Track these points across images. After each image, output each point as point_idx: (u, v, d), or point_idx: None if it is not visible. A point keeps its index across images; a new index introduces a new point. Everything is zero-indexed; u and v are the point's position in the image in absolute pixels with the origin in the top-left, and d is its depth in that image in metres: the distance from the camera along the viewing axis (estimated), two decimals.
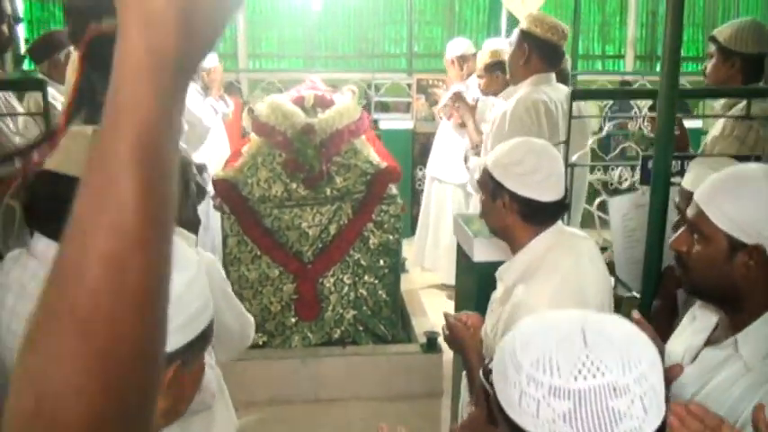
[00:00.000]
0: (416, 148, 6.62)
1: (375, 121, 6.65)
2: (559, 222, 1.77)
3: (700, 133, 4.36)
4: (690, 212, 1.34)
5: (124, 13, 0.43)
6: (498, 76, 3.98)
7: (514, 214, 1.71)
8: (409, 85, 6.54)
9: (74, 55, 2.95)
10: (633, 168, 2.11)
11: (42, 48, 3.63)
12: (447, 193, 4.90)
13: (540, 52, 2.69)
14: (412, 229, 6.15)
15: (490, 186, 1.73)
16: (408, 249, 5.79)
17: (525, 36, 2.70)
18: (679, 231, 1.39)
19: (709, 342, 1.35)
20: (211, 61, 5.28)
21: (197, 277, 1.08)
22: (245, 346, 1.82)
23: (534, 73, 2.64)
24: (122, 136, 0.43)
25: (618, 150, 3.63)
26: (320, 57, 9.91)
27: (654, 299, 1.86)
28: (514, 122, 2.51)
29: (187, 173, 1.78)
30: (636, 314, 1.42)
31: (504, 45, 5.31)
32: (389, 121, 6.54)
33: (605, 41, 10.47)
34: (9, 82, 3.26)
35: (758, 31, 2.36)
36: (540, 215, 1.73)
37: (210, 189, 2.87)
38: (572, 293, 1.62)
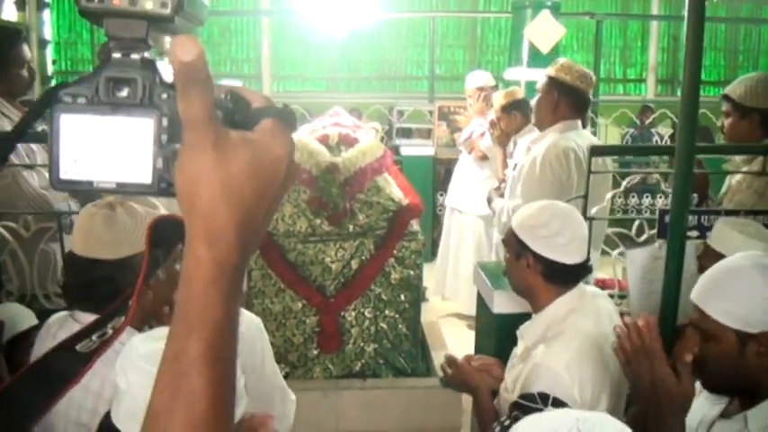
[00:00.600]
0: (437, 174, 6.69)
1: (396, 147, 6.73)
2: (581, 284, 1.83)
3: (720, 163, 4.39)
4: (692, 316, 1.39)
5: (191, 232, 0.51)
6: (516, 116, 4.05)
7: (537, 274, 1.78)
8: (431, 112, 6.61)
9: None
10: (651, 221, 2.16)
11: None
12: (467, 223, 4.96)
13: (569, 99, 2.75)
14: (432, 254, 6.22)
15: (515, 246, 1.80)
16: (429, 275, 5.84)
17: (554, 83, 2.75)
18: (684, 337, 1.43)
19: (724, 414, 1.39)
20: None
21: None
22: (287, 427, 1.73)
23: (562, 119, 2.70)
24: (194, 337, 0.50)
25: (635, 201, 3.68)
26: (343, 79, 10.06)
27: (670, 355, 1.90)
28: (545, 169, 2.57)
29: None
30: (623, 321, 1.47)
31: (524, 76, 5.39)
32: (411, 148, 6.60)
33: (627, 65, 10.51)
34: (43, 135, 3.35)
35: None
36: (563, 276, 1.80)
37: None
38: (591, 359, 1.68)
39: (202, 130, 0.50)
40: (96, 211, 1.45)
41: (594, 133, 6.80)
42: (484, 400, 1.84)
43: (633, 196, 5.58)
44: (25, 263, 2.62)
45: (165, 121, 0.59)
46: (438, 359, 3.50)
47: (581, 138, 2.70)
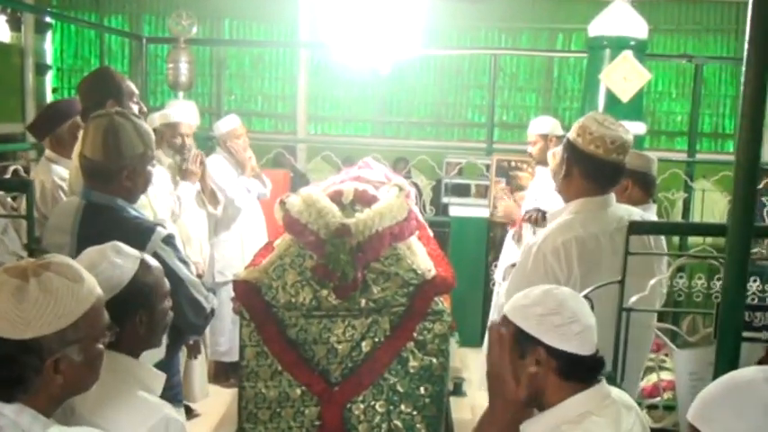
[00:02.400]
0: (492, 240, 6.66)
1: (444, 206, 6.77)
2: (603, 382, 1.81)
3: None
4: None
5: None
6: None
7: (550, 372, 1.76)
8: (487, 166, 6.63)
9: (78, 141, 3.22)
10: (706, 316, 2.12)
11: (44, 122, 3.90)
12: None
13: (583, 169, 2.66)
14: (482, 337, 6.15)
15: (517, 341, 1.79)
16: (473, 364, 5.78)
17: (567, 147, 2.72)
18: None
19: None
20: (230, 122, 5.46)
21: None
22: None
23: (581, 194, 2.63)
24: None
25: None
26: (390, 123, 10.27)
27: None
28: (538, 263, 2.55)
29: (146, 298, 1.94)
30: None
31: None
32: (462, 208, 6.62)
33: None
34: None
35: None
36: (581, 371, 1.78)
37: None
38: None
39: None
40: (5, 281, 1.47)
41: (688, 200, 6.71)
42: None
43: (700, 278, 5.43)
44: None
45: None
46: None
47: (603, 221, 2.63)
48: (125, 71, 10.35)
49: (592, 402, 1.76)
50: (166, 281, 2.05)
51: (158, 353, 2.15)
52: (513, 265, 3.19)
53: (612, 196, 2.72)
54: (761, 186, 8.21)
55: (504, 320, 1.82)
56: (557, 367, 1.76)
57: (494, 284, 6.44)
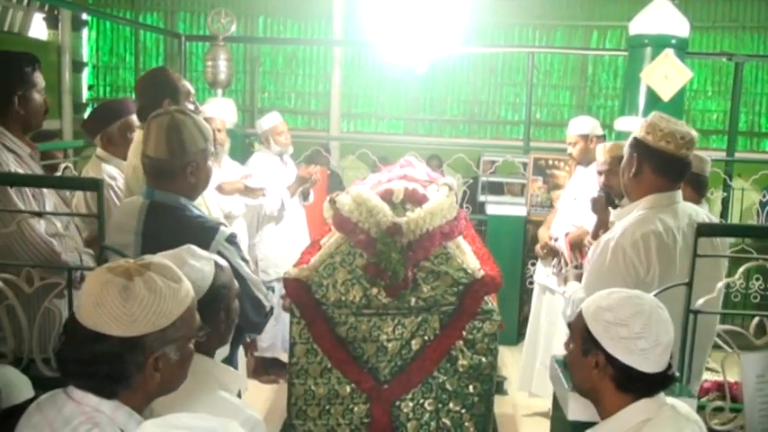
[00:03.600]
0: (530, 239, 6.65)
1: (481, 205, 6.76)
2: (661, 393, 1.81)
3: None
4: None
5: None
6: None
7: (607, 378, 1.77)
8: (524, 165, 6.61)
9: (138, 133, 3.26)
10: None
11: (96, 121, 3.93)
12: (560, 306, 4.89)
13: (654, 165, 2.68)
14: (519, 336, 6.14)
15: (584, 339, 1.79)
16: (512, 364, 5.77)
17: (635, 145, 2.71)
18: None
19: None
20: (272, 119, 5.56)
21: None
22: None
23: (651, 191, 2.65)
24: None
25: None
26: (424, 120, 10.25)
27: None
28: (617, 258, 2.53)
29: (224, 299, 1.96)
30: None
31: (637, 128, 5.37)
32: (499, 206, 6.60)
33: None
34: (65, 180, 3.56)
35: None
36: (639, 386, 1.79)
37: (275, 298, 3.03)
38: None
39: None
40: (111, 279, 1.50)
41: (727, 199, 6.64)
42: None
43: (758, 278, 5.39)
44: (24, 321, 2.67)
45: None
46: None
47: (676, 216, 2.63)
48: None
49: (650, 410, 1.78)
50: (235, 280, 2.07)
51: (224, 351, 2.18)
52: (577, 267, 3.18)
53: (680, 192, 2.73)
54: None
55: (579, 315, 1.83)
56: (614, 376, 1.77)
57: (531, 283, 6.44)
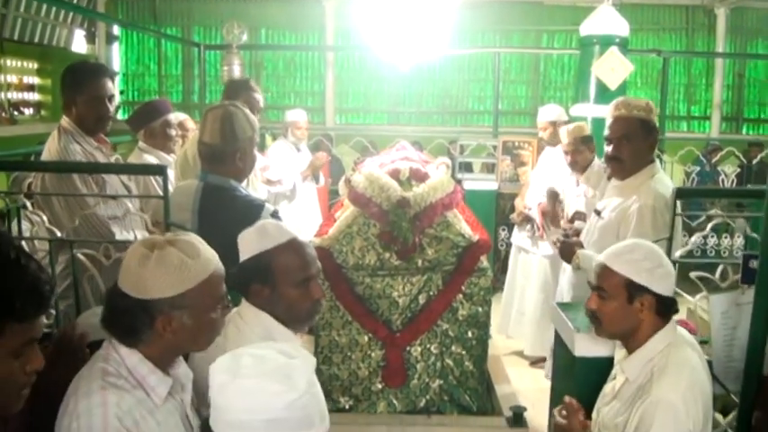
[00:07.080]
0: (500, 209, 6.67)
1: (459, 181, 6.74)
2: (674, 319, 1.87)
3: None
4: None
5: None
6: (583, 151, 4.07)
7: (650, 312, 1.85)
8: (494, 147, 6.62)
9: (194, 133, 3.20)
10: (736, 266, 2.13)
11: (140, 117, 3.87)
12: (533, 263, 4.92)
13: (653, 139, 2.79)
14: (492, 289, 6.16)
15: (628, 291, 1.85)
16: (493, 313, 5.78)
17: (644, 125, 2.72)
18: None
19: None
20: (296, 115, 5.54)
21: (300, 399, 1.21)
22: None
23: (649, 161, 2.71)
24: None
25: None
26: (405, 112, 10.19)
27: (753, 405, 1.86)
28: (657, 217, 2.53)
29: None
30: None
31: (592, 112, 5.37)
32: (473, 182, 6.59)
33: (691, 102, 10.31)
34: (134, 167, 3.51)
35: None
36: (671, 308, 1.88)
37: None
38: (701, 389, 1.76)
39: None
40: (137, 248, 1.52)
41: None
42: None
43: (712, 236, 5.49)
44: (104, 289, 2.64)
45: None
46: (504, 398, 3.47)
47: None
48: (179, 74, 10.27)
49: (670, 335, 1.86)
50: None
51: None
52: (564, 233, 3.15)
53: None
54: (716, 159, 8.20)
55: (609, 272, 1.85)
56: (656, 308, 1.85)
57: (501, 246, 6.47)
